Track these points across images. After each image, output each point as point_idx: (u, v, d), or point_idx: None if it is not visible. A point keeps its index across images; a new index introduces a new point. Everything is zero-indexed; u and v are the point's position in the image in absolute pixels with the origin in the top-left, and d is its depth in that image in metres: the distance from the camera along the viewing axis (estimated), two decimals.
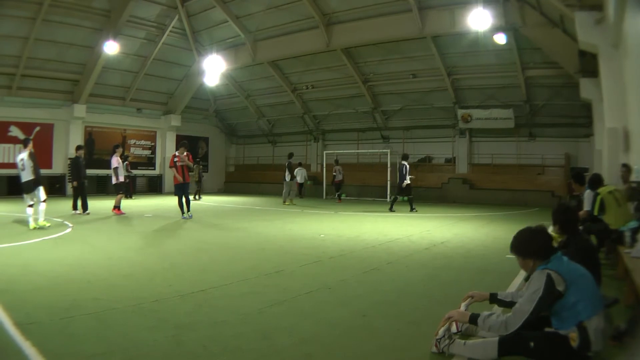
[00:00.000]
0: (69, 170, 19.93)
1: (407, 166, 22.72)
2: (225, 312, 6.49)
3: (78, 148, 20.65)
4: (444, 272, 9.39)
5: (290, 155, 28.31)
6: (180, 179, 18.62)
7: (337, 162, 32.03)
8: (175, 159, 18.46)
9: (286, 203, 27.13)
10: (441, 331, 5.09)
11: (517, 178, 29.23)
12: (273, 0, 28.77)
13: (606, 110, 16.06)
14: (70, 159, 20.07)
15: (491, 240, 13.87)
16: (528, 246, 4.83)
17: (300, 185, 33.37)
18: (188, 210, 19.08)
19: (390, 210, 22.75)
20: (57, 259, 9.84)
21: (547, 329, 4.65)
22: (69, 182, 20.51)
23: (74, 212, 19.71)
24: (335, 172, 31.49)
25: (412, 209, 22.58)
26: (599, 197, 10.06)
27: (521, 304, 4.54)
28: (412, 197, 23.32)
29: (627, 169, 13.04)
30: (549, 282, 4.37)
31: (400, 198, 23.51)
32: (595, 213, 9.98)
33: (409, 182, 22.60)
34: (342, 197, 31.25)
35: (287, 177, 27.28)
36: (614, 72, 15.09)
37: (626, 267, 6.94)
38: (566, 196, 23.91)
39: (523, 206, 25.06)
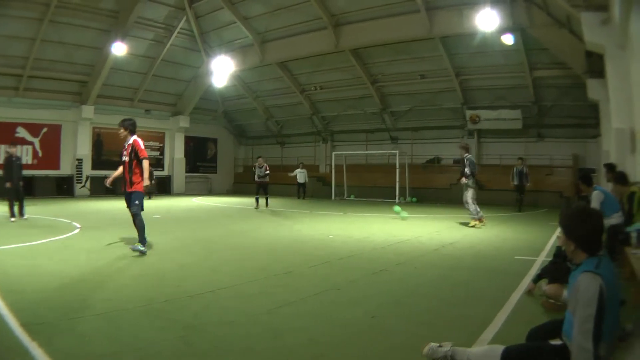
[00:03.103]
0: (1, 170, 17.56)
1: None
2: (234, 312, 6.51)
3: (12, 145, 18.35)
4: (454, 273, 9.37)
5: (467, 148, 18.48)
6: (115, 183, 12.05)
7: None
8: (124, 151, 11.53)
9: (478, 225, 17.19)
10: (425, 350, 5.03)
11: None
12: (281, 1, 28.79)
13: (613, 111, 16.03)
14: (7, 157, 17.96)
15: (500, 241, 13.84)
16: (577, 227, 4.09)
17: (301, 185, 33.57)
18: (141, 240, 11.13)
19: (520, 210, 23.91)
20: (66, 260, 9.86)
21: (552, 341, 4.55)
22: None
23: (12, 219, 17.27)
24: (257, 169, 25.19)
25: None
26: (637, 196, 10.03)
27: (576, 328, 3.81)
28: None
29: (608, 168, 13.12)
30: (601, 298, 3.74)
31: (409, 199, 24.05)
32: (635, 211, 9.93)
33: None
34: (268, 203, 25.47)
35: (470, 181, 17.49)
36: (621, 72, 15.07)
37: (633, 268, 6.92)
38: (574, 197, 23.85)
39: (532, 207, 24.97)
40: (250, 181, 42.30)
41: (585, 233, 4.02)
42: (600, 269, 3.82)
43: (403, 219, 17.71)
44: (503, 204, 25.72)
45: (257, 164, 25.45)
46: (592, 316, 3.66)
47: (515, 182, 24.27)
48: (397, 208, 20.05)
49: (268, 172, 25.17)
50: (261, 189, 25.06)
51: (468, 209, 17.57)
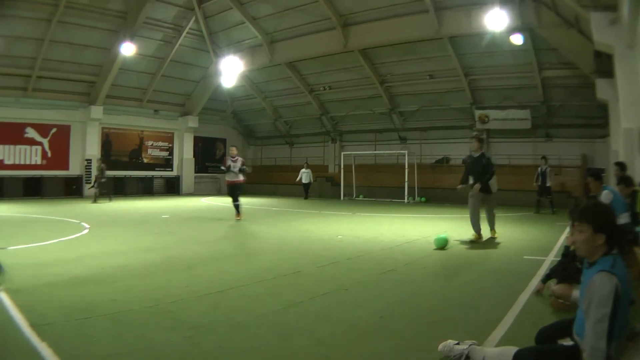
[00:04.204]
0: None
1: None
2: (241, 313, 6.50)
3: None
4: (462, 273, 9.37)
5: (483, 141, 14.97)
6: None
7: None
8: None
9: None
10: (440, 346, 5.03)
11: (534, 179, 29.02)
12: (290, 1, 28.84)
13: (622, 111, 15.96)
14: None
15: (509, 240, 13.78)
16: (606, 218, 3.97)
17: (306, 185, 33.87)
18: None
19: (553, 212, 23.11)
20: (73, 260, 9.87)
21: (561, 340, 4.52)
22: None
23: None
24: (230, 166, 19.03)
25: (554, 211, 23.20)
26: (639, 195, 10.02)
27: (590, 327, 3.72)
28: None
29: (620, 167, 13.05)
30: (616, 298, 3.66)
31: (418, 199, 23.73)
32: (638, 210, 9.91)
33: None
34: (238, 211, 19.33)
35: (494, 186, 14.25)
36: (630, 72, 15.01)
37: None
38: (583, 197, 23.75)
39: (540, 207, 24.83)
40: (259, 181, 42.58)
41: (614, 223, 3.99)
42: (615, 268, 3.77)
43: (440, 244, 12.34)
44: (511, 204, 25.60)
45: (229, 156, 19.49)
46: (607, 316, 3.61)
47: (539, 183, 23.77)
48: (439, 239, 12.47)
49: (245, 167, 19.39)
50: (234, 192, 19.31)
51: (490, 221, 14.38)
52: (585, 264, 4.11)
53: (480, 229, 13.88)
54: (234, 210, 18.43)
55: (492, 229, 14.39)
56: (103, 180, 29.14)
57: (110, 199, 29.29)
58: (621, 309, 3.68)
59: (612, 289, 3.64)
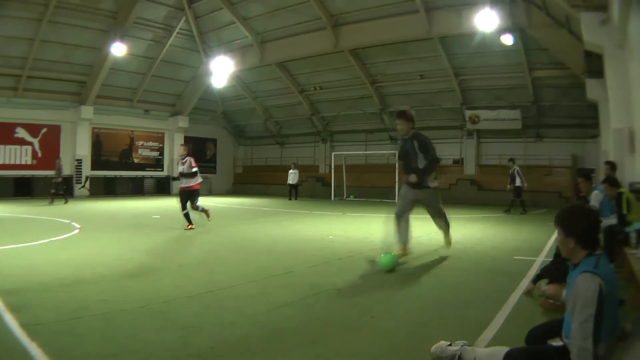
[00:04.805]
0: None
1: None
2: (233, 313, 6.49)
3: None
4: (453, 273, 9.36)
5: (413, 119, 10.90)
6: None
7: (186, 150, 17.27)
8: None
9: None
10: (433, 348, 5.05)
11: (525, 179, 28.96)
12: (280, 1, 28.78)
13: (612, 111, 16.03)
14: None
15: (500, 241, 13.84)
16: (576, 222, 4.04)
17: (293, 186, 33.81)
18: None
19: (508, 212, 23.12)
20: (64, 260, 9.85)
21: (551, 341, 4.54)
22: None
23: None
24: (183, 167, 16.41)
25: (508, 211, 23.31)
26: (624, 196, 10.02)
27: (576, 328, 3.74)
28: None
29: (610, 166, 13.09)
30: (600, 298, 3.68)
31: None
32: (625, 212, 9.90)
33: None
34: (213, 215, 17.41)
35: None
36: (620, 72, 15.06)
37: (632, 269, 6.91)
38: (573, 197, 23.79)
39: (531, 207, 24.86)
40: (249, 181, 42.52)
41: (586, 227, 3.98)
42: (598, 268, 3.78)
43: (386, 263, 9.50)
44: (502, 204, 25.65)
45: (179, 158, 16.87)
46: (592, 316, 3.61)
47: (513, 185, 23.52)
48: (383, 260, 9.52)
49: (195, 169, 16.21)
50: (187, 198, 16.18)
51: (442, 227, 11.62)
52: (570, 265, 4.13)
53: (407, 240, 10.79)
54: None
55: (447, 235, 11.66)
56: (59, 180, 27.22)
57: (66, 201, 27.16)
58: (607, 308, 3.69)
59: (596, 289, 3.66)
